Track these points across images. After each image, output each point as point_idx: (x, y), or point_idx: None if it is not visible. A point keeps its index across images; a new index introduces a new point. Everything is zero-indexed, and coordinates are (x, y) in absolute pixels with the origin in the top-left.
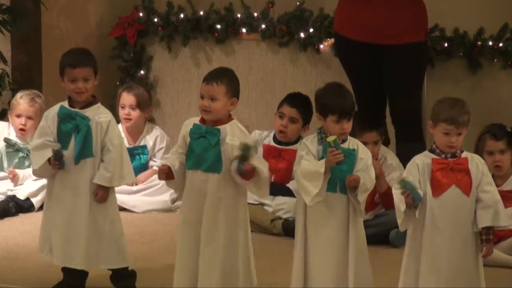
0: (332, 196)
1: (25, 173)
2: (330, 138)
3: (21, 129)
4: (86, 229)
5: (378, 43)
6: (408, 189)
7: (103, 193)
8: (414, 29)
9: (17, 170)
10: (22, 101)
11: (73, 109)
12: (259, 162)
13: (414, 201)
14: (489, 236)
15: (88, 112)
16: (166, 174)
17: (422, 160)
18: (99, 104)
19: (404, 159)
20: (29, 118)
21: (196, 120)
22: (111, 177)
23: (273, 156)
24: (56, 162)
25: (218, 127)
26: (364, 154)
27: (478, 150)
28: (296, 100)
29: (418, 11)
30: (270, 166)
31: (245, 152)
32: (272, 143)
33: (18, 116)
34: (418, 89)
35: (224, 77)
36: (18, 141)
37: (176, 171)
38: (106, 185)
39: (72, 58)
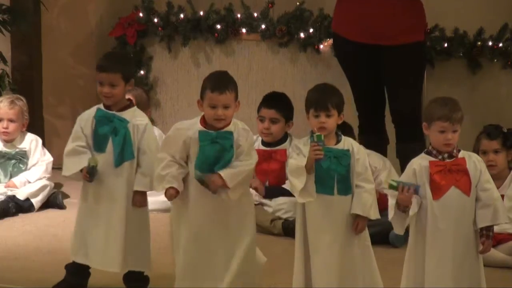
0: (330, 198)
1: (21, 179)
2: (316, 133)
3: (4, 133)
4: (124, 234)
5: (376, 43)
6: (401, 186)
7: (140, 199)
8: (413, 29)
9: (14, 180)
10: (2, 105)
11: (110, 112)
12: (228, 175)
13: (416, 192)
14: (489, 233)
15: (126, 114)
16: (175, 195)
17: (419, 164)
18: (135, 107)
19: (404, 159)
20: (10, 121)
21: (194, 124)
22: (150, 181)
23: (264, 159)
24: (88, 175)
25: (227, 130)
26: (360, 154)
27: (474, 150)
28: (272, 100)
29: (416, 11)
30: (263, 169)
31: (200, 180)
32: (261, 147)
33: (0, 120)
34: (417, 88)
35: (232, 83)
36: (6, 149)
37: (181, 190)
38: (146, 190)
39: (103, 61)
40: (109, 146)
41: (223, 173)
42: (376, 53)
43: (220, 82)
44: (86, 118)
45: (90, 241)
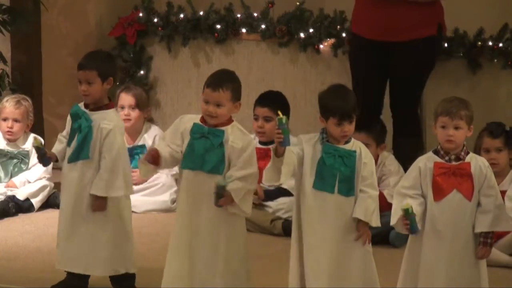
0: (329, 196)
1: (21, 179)
2: (279, 116)
3: (9, 132)
4: (68, 231)
5: (389, 40)
6: (408, 219)
7: (98, 203)
8: (424, 24)
9: (13, 180)
10: (7, 104)
11: (82, 109)
12: (235, 191)
13: (410, 231)
14: (487, 240)
15: (96, 115)
16: (153, 157)
17: (424, 164)
18: (110, 110)
19: (401, 154)
20: (15, 121)
21: (195, 118)
22: (105, 185)
23: (260, 157)
24: (38, 158)
25: (221, 128)
26: (368, 158)
27: (476, 148)
28: (265, 99)
29: (430, 5)
30: (259, 167)
31: (220, 191)
32: (258, 145)
33: (5, 119)
34: (420, 85)
35: (229, 82)
36: (9, 148)
37: (164, 161)
38: (100, 194)
39: (82, 59)
40: (74, 143)
41: (232, 191)
42: (389, 50)
43: (216, 79)
44: (71, 112)
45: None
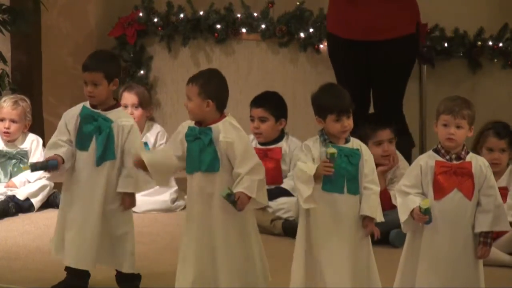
0: (340, 197)
1: (21, 179)
2: (330, 150)
3: (6, 133)
4: (99, 233)
5: (369, 39)
6: (427, 216)
7: (129, 200)
8: (404, 22)
9: (13, 180)
10: (5, 105)
11: (95, 110)
12: (248, 188)
13: (426, 222)
14: (487, 239)
15: (110, 114)
16: (141, 166)
17: (425, 162)
18: (120, 108)
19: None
20: (12, 121)
21: (191, 122)
22: (136, 182)
23: (260, 158)
24: (46, 171)
25: (211, 126)
26: (368, 155)
27: (478, 144)
28: (260, 99)
29: (406, 3)
30: None
31: (231, 199)
32: (257, 146)
33: (2, 120)
34: (403, 82)
35: (200, 78)
36: (8, 148)
37: (151, 166)
38: (132, 191)
39: (87, 60)
40: (92, 145)
41: (244, 189)
42: (369, 49)
43: (193, 75)
44: (72, 115)
45: (67, 237)
